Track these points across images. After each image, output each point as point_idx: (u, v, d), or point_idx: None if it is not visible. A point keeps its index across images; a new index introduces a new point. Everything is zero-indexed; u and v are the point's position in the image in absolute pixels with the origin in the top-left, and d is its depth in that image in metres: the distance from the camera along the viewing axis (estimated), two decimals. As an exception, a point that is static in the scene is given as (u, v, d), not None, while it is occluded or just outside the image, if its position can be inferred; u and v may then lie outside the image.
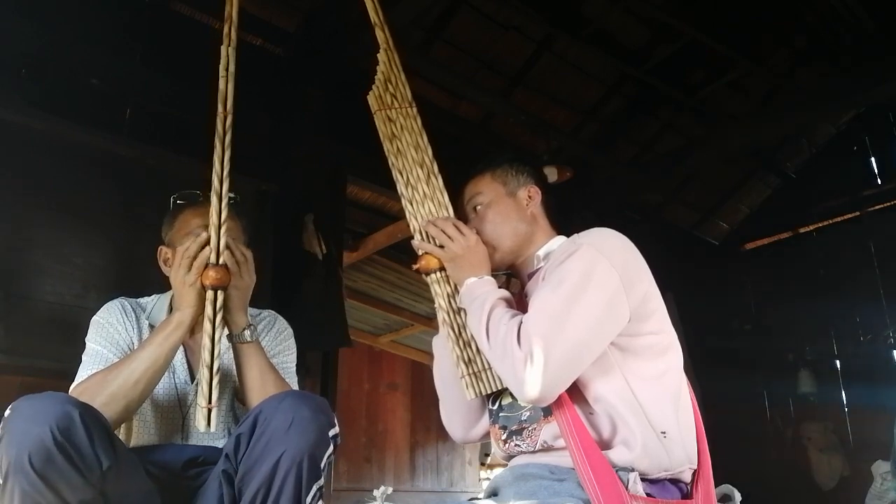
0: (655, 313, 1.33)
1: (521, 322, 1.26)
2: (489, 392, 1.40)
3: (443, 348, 1.49)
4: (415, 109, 1.58)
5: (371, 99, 1.59)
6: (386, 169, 1.57)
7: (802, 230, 5.07)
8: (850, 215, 4.86)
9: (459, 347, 1.41)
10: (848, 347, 4.67)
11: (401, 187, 1.53)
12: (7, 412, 1.21)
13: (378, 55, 1.63)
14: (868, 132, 4.92)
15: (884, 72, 3.61)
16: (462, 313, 1.42)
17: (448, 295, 1.46)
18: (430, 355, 1.63)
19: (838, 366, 4.71)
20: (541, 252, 1.46)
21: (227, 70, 1.51)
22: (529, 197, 1.51)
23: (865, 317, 4.61)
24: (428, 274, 1.47)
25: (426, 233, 1.48)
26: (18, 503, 1.16)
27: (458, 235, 1.42)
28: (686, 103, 4.25)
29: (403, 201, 1.52)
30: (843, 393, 4.64)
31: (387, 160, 1.57)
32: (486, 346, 1.31)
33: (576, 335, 1.22)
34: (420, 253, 1.48)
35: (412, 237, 1.52)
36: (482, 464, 6.96)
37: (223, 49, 1.52)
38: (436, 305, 1.47)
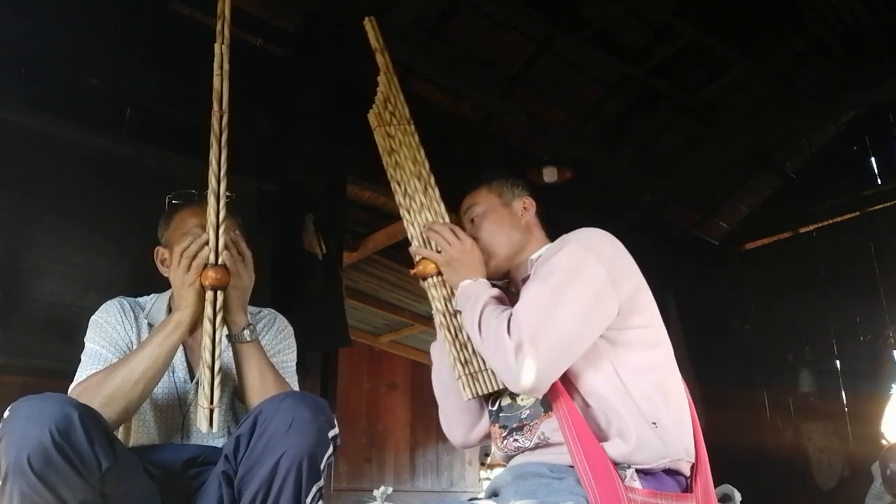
0: (646, 309, 1.36)
1: (511, 314, 1.30)
2: (486, 392, 1.43)
3: (440, 353, 1.52)
4: (412, 127, 1.66)
5: (371, 117, 1.68)
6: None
7: (802, 230, 5.06)
8: (850, 215, 4.85)
9: (456, 349, 1.45)
10: (848, 347, 4.67)
11: (399, 197, 1.60)
12: (6, 413, 1.21)
13: (378, 78, 1.72)
14: (868, 132, 4.92)
15: (884, 72, 3.61)
16: (458, 315, 1.46)
17: (444, 298, 1.51)
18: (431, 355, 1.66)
19: (838, 366, 4.71)
20: (534, 256, 1.50)
21: (221, 68, 1.51)
22: (524, 208, 1.57)
23: (865, 317, 4.61)
24: (425, 278, 1.52)
25: (424, 238, 1.53)
26: (18, 504, 1.16)
27: (454, 239, 1.47)
28: (686, 103, 4.24)
29: (401, 210, 1.59)
30: (843, 393, 4.64)
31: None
32: (479, 341, 1.35)
33: (565, 325, 1.27)
34: (417, 259, 1.53)
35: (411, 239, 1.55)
36: (482, 464, 6.96)
37: (216, 47, 1.52)
38: (433, 309, 1.51)
